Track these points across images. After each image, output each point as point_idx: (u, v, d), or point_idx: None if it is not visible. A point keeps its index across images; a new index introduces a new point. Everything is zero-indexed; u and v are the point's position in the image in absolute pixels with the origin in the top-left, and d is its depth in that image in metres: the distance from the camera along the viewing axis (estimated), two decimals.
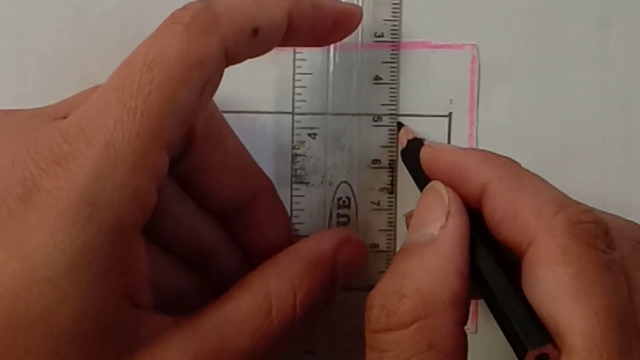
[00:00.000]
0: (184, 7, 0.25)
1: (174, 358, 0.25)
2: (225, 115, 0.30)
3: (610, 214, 0.27)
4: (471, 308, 0.33)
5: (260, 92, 0.33)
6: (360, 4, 0.32)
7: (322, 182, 0.33)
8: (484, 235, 0.26)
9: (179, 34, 0.24)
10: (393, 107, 0.33)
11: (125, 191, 0.23)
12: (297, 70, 0.33)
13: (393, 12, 0.33)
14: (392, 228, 0.33)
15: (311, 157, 0.33)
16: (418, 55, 0.33)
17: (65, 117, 0.24)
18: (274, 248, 0.29)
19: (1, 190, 0.23)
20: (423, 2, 0.33)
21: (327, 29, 0.28)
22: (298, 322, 0.27)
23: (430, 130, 0.33)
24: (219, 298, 0.27)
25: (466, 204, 0.26)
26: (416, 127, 0.33)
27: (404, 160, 0.32)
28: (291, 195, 0.32)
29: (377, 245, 0.33)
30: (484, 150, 0.27)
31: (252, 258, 0.30)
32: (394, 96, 0.33)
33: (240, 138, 0.30)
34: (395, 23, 0.33)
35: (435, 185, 0.27)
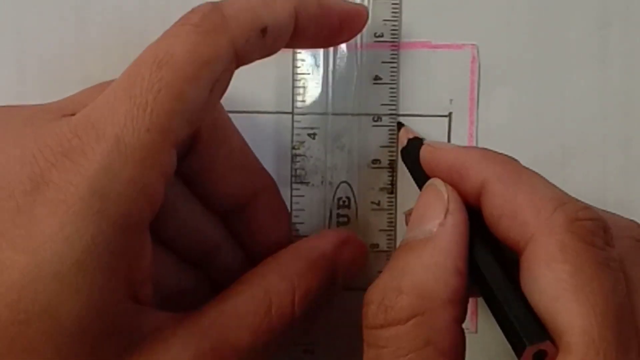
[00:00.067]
0: (193, 10, 0.25)
1: (176, 354, 0.25)
2: None
3: (609, 212, 0.27)
4: (471, 308, 0.33)
5: (260, 92, 0.33)
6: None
7: (322, 182, 0.33)
8: (483, 233, 0.26)
9: (188, 34, 0.24)
10: (393, 107, 0.33)
11: (135, 186, 0.23)
12: (297, 70, 0.33)
13: (393, 12, 0.33)
14: (392, 228, 0.33)
15: (311, 157, 0.33)
16: (418, 55, 0.33)
17: (73, 114, 0.24)
18: (274, 247, 0.30)
19: (9, 185, 0.23)
20: (423, 2, 0.33)
21: (333, 29, 0.28)
22: (297, 320, 0.27)
23: (430, 130, 0.33)
24: (219, 295, 0.27)
25: (466, 202, 0.26)
26: (416, 127, 0.33)
27: (403, 159, 0.32)
28: (291, 195, 0.32)
29: (377, 245, 0.33)
30: (483, 148, 0.27)
31: (253, 256, 0.30)
32: (394, 96, 0.33)
33: None
34: (395, 23, 0.33)
35: (434, 182, 0.27)
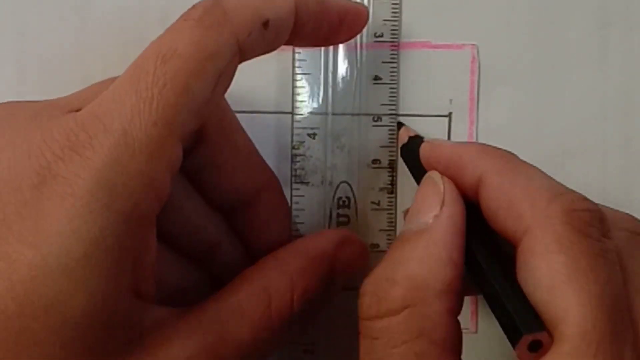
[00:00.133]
0: (194, 6, 0.25)
1: (177, 348, 0.25)
2: None
3: (604, 206, 0.27)
4: (471, 308, 0.33)
5: (260, 92, 0.33)
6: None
7: (322, 182, 0.33)
8: (480, 226, 0.26)
9: (191, 29, 0.24)
10: (393, 107, 0.33)
11: (142, 179, 0.23)
12: (297, 70, 0.33)
13: (393, 12, 0.33)
14: (392, 228, 0.33)
15: (311, 157, 0.33)
16: (418, 55, 0.33)
17: (78, 110, 0.24)
18: (275, 244, 0.30)
19: (17, 179, 0.23)
20: (423, 2, 0.33)
21: (333, 26, 0.28)
22: (296, 317, 0.28)
23: (430, 130, 0.33)
24: (219, 291, 0.27)
25: (464, 196, 0.26)
26: (416, 127, 0.33)
27: (403, 156, 0.32)
28: (291, 195, 0.32)
29: (377, 245, 0.33)
30: (481, 143, 0.27)
31: (253, 253, 0.31)
32: (394, 96, 0.33)
33: None
34: (395, 23, 0.33)
35: (431, 175, 0.27)
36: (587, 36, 0.33)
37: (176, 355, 0.25)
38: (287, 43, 0.27)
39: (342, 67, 0.33)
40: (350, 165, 0.33)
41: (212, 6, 0.25)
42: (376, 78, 0.33)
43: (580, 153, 0.33)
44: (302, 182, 0.33)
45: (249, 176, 0.30)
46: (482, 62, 0.33)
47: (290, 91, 0.33)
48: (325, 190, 0.33)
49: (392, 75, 0.33)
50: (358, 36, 0.32)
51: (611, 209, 0.26)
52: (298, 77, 0.33)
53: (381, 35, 0.33)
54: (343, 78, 0.33)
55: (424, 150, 0.29)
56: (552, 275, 0.23)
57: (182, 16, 0.25)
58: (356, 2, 0.30)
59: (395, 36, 0.33)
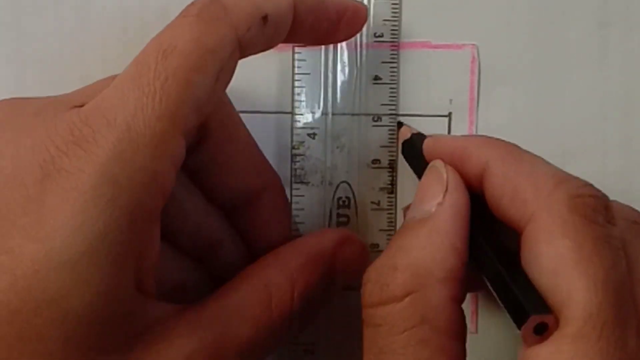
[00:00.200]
0: (193, 2, 0.25)
1: (179, 345, 0.25)
2: None
3: None
4: (471, 308, 0.33)
5: (260, 92, 0.33)
6: None
7: (321, 182, 0.33)
8: (485, 216, 0.26)
9: (190, 24, 0.24)
10: (393, 107, 0.33)
11: (146, 174, 0.23)
12: (297, 70, 0.33)
13: (393, 12, 0.33)
14: (392, 228, 0.33)
15: (311, 157, 0.33)
16: (418, 55, 0.33)
17: (82, 105, 0.24)
18: (275, 243, 0.30)
19: (20, 174, 0.23)
20: (423, 2, 0.33)
21: (332, 23, 0.28)
22: (296, 315, 0.28)
23: (430, 130, 0.33)
24: (220, 288, 0.27)
25: (468, 187, 0.26)
26: (416, 127, 0.33)
27: (404, 153, 0.32)
28: (291, 195, 0.32)
29: (377, 245, 0.33)
30: (485, 136, 0.28)
31: (254, 251, 0.31)
32: (394, 96, 0.33)
33: None
34: (395, 23, 0.33)
35: (435, 163, 0.27)
36: (587, 36, 0.33)
37: (177, 351, 0.25)
38: (286, 40, 0.27)
39: (342, 67, 0.33)
40: (350, 165, 0.33)
41: (211, 2, 0.25)
42: (376, 78, 0.33)
43: (580, 153, 0.33)
44: (302, 182, 0.33)
45: (251, 175, 0.30)
46: (482, 62, 0.33)
47: (290, 91, 0.33)
48: (325, 190, 0.33)
49: (392, 75, 0.33)
50: (358, 36, 0.32)
51: (612, 200, 0.26)
52: (298, 77, 0.33)
53: (381, 35, 0.33)
54: (343, 78, 0.33)
55: (427, 144, 0.29)
56: (557, 260, 0.23)
57: (181, 12, 0.25)
58: (355, 1, 0.30)
59: (395, 36, 0.33)
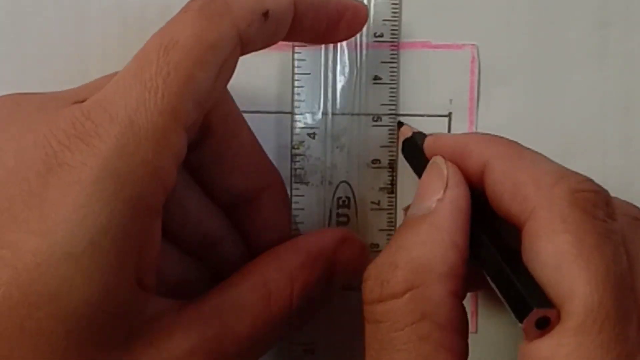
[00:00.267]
0: None
1: (178, 340, 0.25)
2: None
3: None
4: (471, 308, 0.33)
5: (260, 92, 0.33)
6: None
7: (321, 182, 0.33)
8: (486, 212, 0.26)
9: (192, 19, 0.24)
10: (393, 107, 0.33)
11: (148, 168, 0.23)
12: (297, 70, 0.33)
13: (393, 12, 0.33)
14: (392, 228, 0.33)
15: (311, 156, 0.33)
16: (418, 55, 0.33)
17: (83, 101, 0.24)
18: (275, 241, 0.30)
19: (23, 169, 0.23)
20: (423, 2, 0.33)
21: (332, 22, 0.29)
22: (294, 313, 0.28)
23: (430, 130, 0.33)
24: (220, 285, 0.27)
25: (469, 184, 0.26)
26: (416, 127, 0.33)
27: (404, 152, 0.32)
28: (291, 195, 0.32)
29: (377, 245, 0.33)
30: (486, 133, 0.28)
31: (253, 249, 0.31)
32: (394, 96, 0.33)
33: None
34: (395, 23, 0.33)
35: (436, 160, 0.27)
36: (587, 36, 0.33)
37: (177, 346, 0.25)
38: (286, 38, 0.27)
39: (342, 67, 0.33)
40: (350, 165, 0.33)
41: None
42: (376, 78, 0.33)
43: (580, 153, 0.33)
44: (302, 182, 0.33)
45: (253, 173, 0.30)
46: (482, 62, 0.33)
47: (290, 91, 0.33)
48: (325, 190, 0.33)
49: (392, 75, 0.33)
50: (358, 36, 0.32)
51: (613, 197, 0.26)
52: (298, 77, 0.33)
53: (381, 35, 0.33)
54: (343, 78, 0.33)
55: (428, 142, 0.29)
56: (558, 255, 0.23)
57: (183, 8, 0.25)
58: (356, 1, 0.30)
59: (395, 36, 0.33)
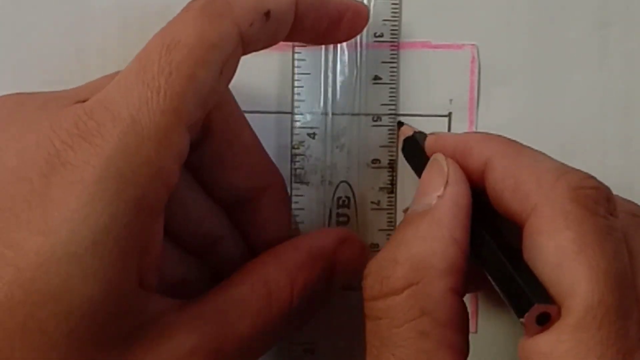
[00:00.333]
0: None
1: (179, 339, 0.25)
2: None
3: None
4: (471, 308, 0.33)
5: (259, 92, 0.33)
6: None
7: (321, 182, 0.33)
8: (487, 210, 0.26)
9: (194, 19, 0.24)
10: (393, 107, 0.33)
11: (151, 168, 0.23)
12: (297, 70, 0.33)
13: (393, 12, 0.33)
14: (392, 228, 0.33)
15: (311, 156, 0.33)
16: (418, 55, 0.33)
17: (85, 100, 0.24)
18: (275, 240, 0.30)
19: (25, 168, 0.23)
20: (423, 2, 0.33)
21: (333, 22, 0.29)
22: (295, 312, 0.28)
23: (430, 130, 0.33)
24: (220, 284, 0.27)
25: (470, 182, 0.26)
26: (416, 127, 0.33)
27: (405, 152, 0.32)
28: (291, 195, 0.32)
29: (377, 245, 0.33)
30: (487, 132, 0.28)
31: (254, 248, 0.31)
32: (394, 96, 0.33)
33: None
34: (395, 23, 0.33)
35: (436, 157, 0.27)
36: (587, 36, 0.33)
37: (178, 345, 0.25)
38: (287, 39, 0.27)
39: (342, 67, 0.33)
40: (350, 165, 0.33)
41: None
42: (376, 78, 0.33)
43: (580, 153, 0.33)
44: (301, 182, 0.33)
45: (254, 173, 0.30)
46: (482, 62, 0.33)
47: (290, 91, 0.33)
48: (325, 190, 0.33)
49: (392, 75, 0.33)
50: (358, 36, 0.32)
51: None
52: (298, 77, 0.33)
53: (381, 35, 0.33)
54: (343, 78, 0.33)
55: (429, 140, 0.29)
56: (560, 252, 0.23)
57: (185, 7, 0.25)
58: (357, 1, 0.30)
59: (395, 36, 0.33)
